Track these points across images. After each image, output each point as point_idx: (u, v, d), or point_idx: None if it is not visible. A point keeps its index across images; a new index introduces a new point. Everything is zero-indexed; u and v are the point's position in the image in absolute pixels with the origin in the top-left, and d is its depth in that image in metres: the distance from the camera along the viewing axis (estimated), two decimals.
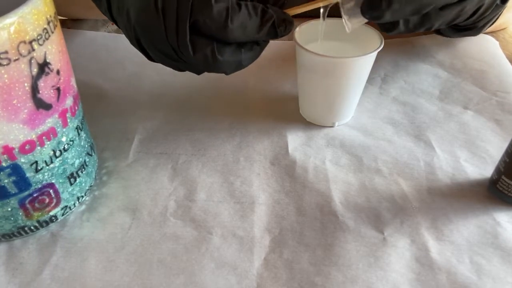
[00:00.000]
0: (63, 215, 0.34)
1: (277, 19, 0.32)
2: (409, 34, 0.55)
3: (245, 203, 0.36)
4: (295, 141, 0.42)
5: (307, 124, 0.44)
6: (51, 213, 0.33)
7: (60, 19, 0.31)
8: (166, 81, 0.50)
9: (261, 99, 0.48)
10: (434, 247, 0.32)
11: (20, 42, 0.25)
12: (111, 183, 0.38)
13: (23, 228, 0.32)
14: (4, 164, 0.28)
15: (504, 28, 0.59)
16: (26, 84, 0.26)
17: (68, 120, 0.31)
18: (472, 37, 0.56)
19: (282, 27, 0.33)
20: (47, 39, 0.27)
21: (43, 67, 0.27)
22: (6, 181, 0.28)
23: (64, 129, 0.31)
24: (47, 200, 0.32)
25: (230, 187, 0.37)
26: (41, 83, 0.27)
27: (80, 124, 0.33)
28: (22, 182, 0.29)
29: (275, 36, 0.33)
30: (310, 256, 0.32)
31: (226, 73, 0.34)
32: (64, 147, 0.31)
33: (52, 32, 0.28)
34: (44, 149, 0.29)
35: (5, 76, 0.25)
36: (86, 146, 0.35)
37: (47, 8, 0.27)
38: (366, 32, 0.40)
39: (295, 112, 0.45)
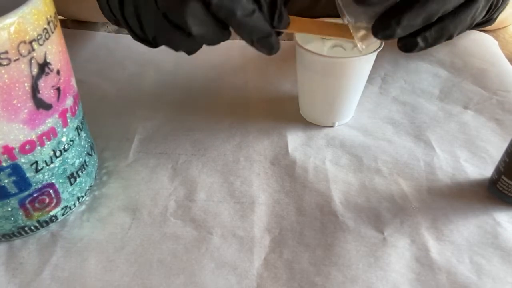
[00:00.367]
0: (63, 215, 0.34)
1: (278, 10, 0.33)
2: None
3: (245, 203, 0.36)
4: (295, 141, 0.42)
5: (307, 124, 0.44)
6: (51, 213, 0.33)
7: (60, 19, 0.31)
8: (166, 81, 0.50)
9: (261, 99, 0.47)
10: (434, 247, 0.32)
11: (20, 42, 0.25)
12: (111, 183, 0.38)
13: (23, 228, 0.32)
14: (4, 164, 0.28)
15: (505, 27, 0.59)
16: (26, 84, 0.26)
17: (68, 120, 0.31)
18: (472, 36, 0.56)
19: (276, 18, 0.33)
20: (47, 39, 0.27)
21: (43, 67, 0.27)
22: (6, 181, 0.28)
23: (64, 129, 0.31)
24: (47, 200, 0.32)
25: (230, 187, 0.37)
26: (41, 83, 0.27)
27: (80, 124, 0.33)
28: (22, 182, 0.29)
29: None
30: (310, 256, 0.32)
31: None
32: (64, 147, 0.31)
33: (52, 32, 0.28)
34: (44, 149, 0.29)
35: (5, 76, 0.25)
36: (86, 146, 0.35)
37: (47, 8, 0.27)
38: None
39: (295, 112, 0.45)
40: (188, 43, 0.34)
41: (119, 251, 0.32)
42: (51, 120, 0.29)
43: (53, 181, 0.31)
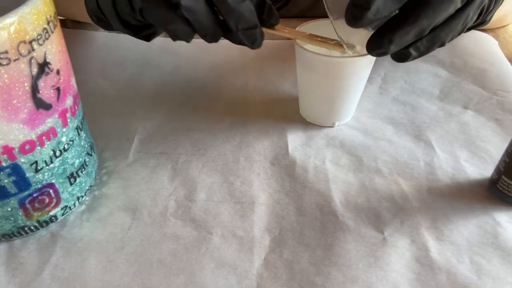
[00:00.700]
0: (63, 215, 0.34)
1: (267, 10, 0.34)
2: None
3: (245, 203, 0.36)
4: (295, 141, 0.42)
5: (307, 124, 0.44)
6: (51, 213, 0.33)
7: (60, 19, 0.31)
8: (166, 81, 0.50)
9: (261, 99, 0.47)
10: (434, 247, 0.32)
11: (20, 42, 0.25)
12: (111, 183, 0.38)
13: (23, 228, 0.32)
14: (4, 164, 0.28)
15: (504, 26, 0.59)
16: (26, 84, 0.26)
17: (68, 120, 0.31)
18: (472, 36, 0.56)
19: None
20: (47, 39, 0.27)
21: (43, 67, 0.27)
22: (6, 181, 0.28)
23: (64, 129, 0.31)
24: (47, 200, 0.32)
25: (230, 187, 0.37)
26: (41, 83, 0.27)
27: (80, 124, 0.33)
28: (22, 182, 0.29)
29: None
30: (310, 256, 0.32)
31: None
32: (64, 147, 0.31)
33: (52, 32, 0.28)
34: (44, 149, 0.29)
35: (5, 76, 0.25)
36: (86, 146, 0.35)
37: (47, 8, 0.27)
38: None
39: (295, 112, 0.45)
40: (175, 20, 0.33)
41: (119, 251, 0.32)
42: (51, 120, 0.29)
43: (53, 181, 0.31)
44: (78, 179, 0.34)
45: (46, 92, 0.28)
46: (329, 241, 0.33)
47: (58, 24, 0.29)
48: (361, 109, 0.45)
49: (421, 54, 0.35)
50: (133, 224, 0.34)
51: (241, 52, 0.55)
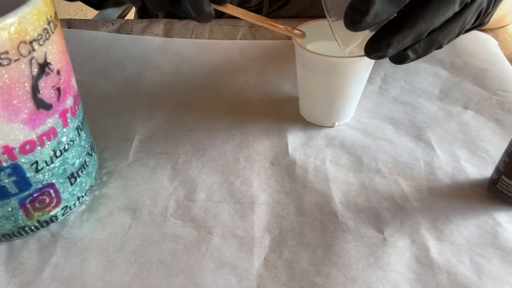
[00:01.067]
0: (63, 215, 0.34)
1: None
2: None
3: (245, 203, 0.36)
4: (295, 141, 0.42)
5: (307, 124, 0.44)
6: (52, 213, 0.33)
7: (60, 19, 0.31)
8: (166, 81, 0.50)
9: (261, 99, 0.48)
10: (434, 247, 0.32)
11: (21, 42, 0.25)
12: (111, 183, 0.38)
13: (23, 228, 0.32)
14: (4, 164, 0.28)
15: (504, 26, 0.59)
16: (26, 84, 0.26)
17: (69, 120, 0.31)
18: (472, 35, 0.56)
19: None
20: (47, 39, 0.27)
21: (44, 67, 0.27)
22: (6, 181, 0.29)
23: (64, 129, 0.31)
24: (47, 200, 0.32)
25: (230, 187, 0.37)
26: (41, 83, 0.27)
27: (80, 124, 0.33)
28: (22, 182, 0.29)
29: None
30: (310, 256, 0.32)
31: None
32: (64, 147, 0.31)
33: (53, 32, 0.28)
34: (44, 149, 0.29)
35: (6, 76, 0.25)
36: (86, 146, 0.35)
37: (48, 8, 0.27)
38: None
39: (295, 112, 0.45)
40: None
41: (119, 251, 0.32)
42: (51, 120, 0.29)
43: (53, 181, 0.31)
44: (78, 179, 0.34)
45: (46, 92, 0.28)
46: (329, 241, 0.33)
47: (59, 24, 0.29)
48: (361, 109, 0.45)
49: (419, 56, 0.35)
50: (133, 224, 0.34)
51: (241, 52, 0.55)
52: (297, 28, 0.40)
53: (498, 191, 0.35)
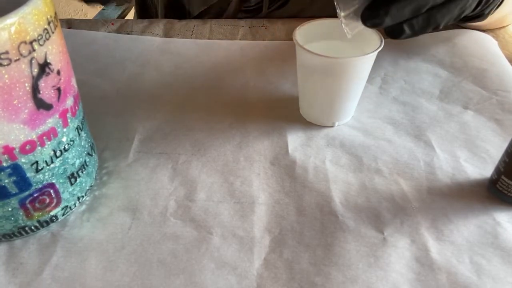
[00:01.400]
0: (63, 215, 0.34)
1: None
2: None
3: (245, 203, 0.36)
4: (295, 141, 0.42)
5: (307, 124, 0.44)
6: (52, 213, 0.33)
7: (60, 19, 0.31)
8: (166, 81, 0.50)
9: (261, 99, 0.48)
10: (434, 247, 0.32)
11: (21, 43, 0.25)
12: (111, 183, 0.38)
13: (23, 228, 0.32)
14: (4, 164, 0.28)
15: (505, 27, 0.59)
16: (26, 84, 0.26)
17: (69, 120, 0.31)
18: (472, 35, 0.56)
19: None
20: (47, 39, 0.27)
21: (44, 67, 0.27)
22: (6, 181, 0.29)
23: (64, 129, 0.31)
24: (47, 200, 0.32)
25: (230, 187, 0.37)
26: (41, 83, 0.27)
27: (80, 124, 0.33)
28: (22, 182, 0.29)
29: None
30: (310, 256, 0.32)
31: None
32: (64, 147, 0.31)
33: (53, 32, 0.28)
34: (44, 149, 0.29)
35: (6, 76, 0.25)
36: (87, 146, 0.35)
37: (48, 8, 0.27)
38: (366, 32, 0.40)
39: (295, 112, 0.45)
40: None
41: (119, 251, 0.32)
42: (51, 120, 0.29)
43: (53, 181, 0.31)
44: (78, 179, 0.34)
45: (46, 93, 0.28)
46: (329, 241, 0.33)
47: (59, 24, 0.29)
48: (361, 109, 0.45)
49: (414, 33, 0.34)
50: (133, 224, 0.34)
51: (241, 52, 0.55)
52: (297, 28, 0.40)
53: (498, 191, 0.35)
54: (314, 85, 0.41)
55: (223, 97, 0.48)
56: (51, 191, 0.32)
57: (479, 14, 0.44)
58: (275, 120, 0.44)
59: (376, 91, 0.48)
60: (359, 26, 0.35)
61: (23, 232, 0.32)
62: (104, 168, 0.39)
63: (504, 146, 0.40)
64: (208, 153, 0.41)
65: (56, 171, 0.31)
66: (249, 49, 0.56)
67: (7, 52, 0.24)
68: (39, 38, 0.26)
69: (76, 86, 0.33)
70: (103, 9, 0.87)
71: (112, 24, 0.62)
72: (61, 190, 0.32)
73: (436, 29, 0.35)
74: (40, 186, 0.30)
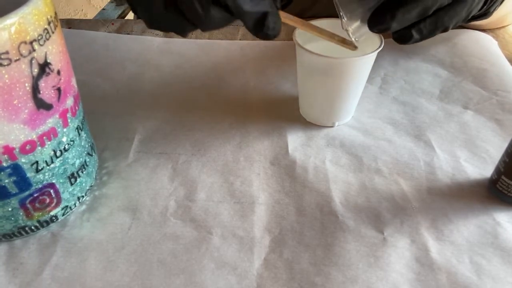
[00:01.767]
0: (63, 215, 0.34)
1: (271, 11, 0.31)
2: None
3: (245, 203, 0.36)
4: (295, 141, 0.42)
5: (307, 124, 0.44)
6: (52, 213, 0.33)
7: (60, 19, 0.31)
8: (166, 81, 0.50)
9: (261, 99, 0.48)
10: (434, 247, 0.32)
11: (21, 43, 0.25)
12: (111, 183, 0.38)
13: (23, 228, 0.32)
14: (4, 164, 0.28)
15: (505, 26, 0.59)
16: (26, 84, 0.26)
17: (69, 120, 0.31)
18: (472, 35, 0.56)
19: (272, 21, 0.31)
20: (47, 39, 0.27)
21: (44, 67, 0.27)
22: (6, 181, 0.29)
23: (64, 129, 0.31)
24: (47, 200, 0.32)
25: (230, 187, 0.37)
26: (41, 83, 0.27)
27: (80, 124, 0.33)
28: (22, 182, 0.29)
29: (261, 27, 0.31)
30: (310, 256, 0.32)
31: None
32: (64, 147, 0.31)
33: (53, 32, 0.28)
34: (44, 149, 0.29)
35: (6, 76, 0.25)
36: (87, 146, 0.35)
37: (48, 8, 0.27)
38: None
39: (295, 112, 0.45)
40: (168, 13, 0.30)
41: (119, 251, 0.32)
42: (51, 120, 0.29)
43: (53, 181, 0.31)
44: (78, 179, 0.34)
45: (46, 93, 0.28)
46: (329, 241, 0.33)
47: (59, 24, 0.29)
48: (361, 109, 0.45)
49: (423, 37, 0.34)
50: (133, 224, 0.34)
51: (241, 52, 0.55)
52: (296, 29, 0.40)
53: (498, 191, 0.35)
54: (314, 85, 0.41)
55: (223, 97, 0.48)
56: (51, 191, 0.32)
57: (485, 12, 0.44)
58: (275, 120, 0.44)
59: (376, 91, 0.48)
60: (366, 32, 0.35)
61: (23, 232, 0.32)
62: (104, 168, 0.39)
63: (504, 146, 0.40)
64: (208, 153, 0.41)
65: (56, 171, 0.31)
66: (249, 49, 0.56)
67: (7, 52, 0.24)
68: (39, 38, 0.26)
69: (76, 86, 0.33)
70: (103, 9, 0.87)
71: (112, 24, 0.62)
72: (61, 190, 0.32)
73: (444, 31, 0.35)
74: (40, 186, 0.30)
